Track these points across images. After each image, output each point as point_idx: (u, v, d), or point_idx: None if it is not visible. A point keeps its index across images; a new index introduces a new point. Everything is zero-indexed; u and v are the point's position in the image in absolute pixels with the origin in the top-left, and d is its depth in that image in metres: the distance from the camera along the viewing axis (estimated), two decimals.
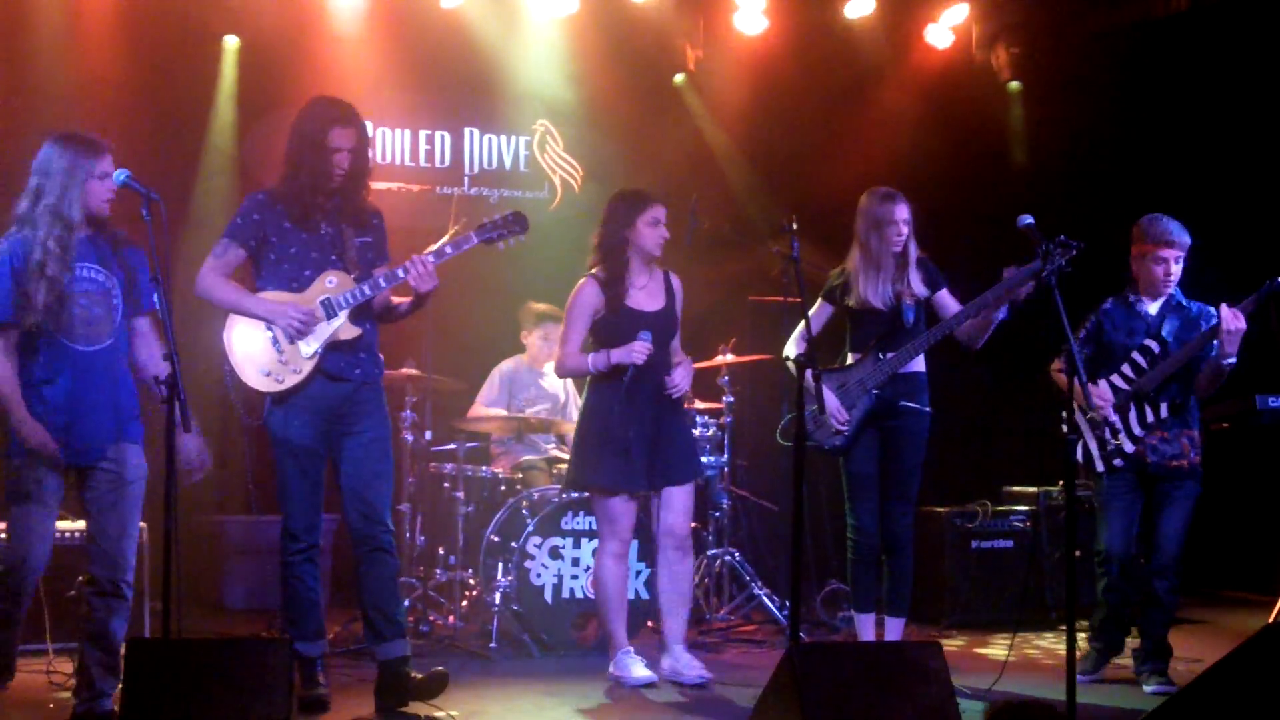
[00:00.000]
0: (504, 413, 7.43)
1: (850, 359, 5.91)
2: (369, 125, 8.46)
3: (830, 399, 5.75)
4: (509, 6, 8.69)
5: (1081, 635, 5.90)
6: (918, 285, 5.84)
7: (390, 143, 8.76)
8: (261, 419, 5.16)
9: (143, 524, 6.19)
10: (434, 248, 5.12)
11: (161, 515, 4.31)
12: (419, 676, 5.12)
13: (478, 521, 6.90)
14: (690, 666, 5.69)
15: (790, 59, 9.07)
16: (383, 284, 5.09)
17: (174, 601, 4.28)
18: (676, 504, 5.78)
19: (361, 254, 5.15)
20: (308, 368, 5.04)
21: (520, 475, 7.23)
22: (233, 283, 5.13)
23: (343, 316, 5.05)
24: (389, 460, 5.23)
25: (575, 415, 7.59)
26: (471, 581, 6.88)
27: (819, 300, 5.95)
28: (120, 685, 4.55)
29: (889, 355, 5.76)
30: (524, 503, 6.81)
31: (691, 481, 5.85)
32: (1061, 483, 7.20)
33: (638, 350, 5.59)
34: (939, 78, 9.30)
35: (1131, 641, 6.05)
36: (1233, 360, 5.64)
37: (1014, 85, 9.50)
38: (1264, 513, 8.50)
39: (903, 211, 5.82)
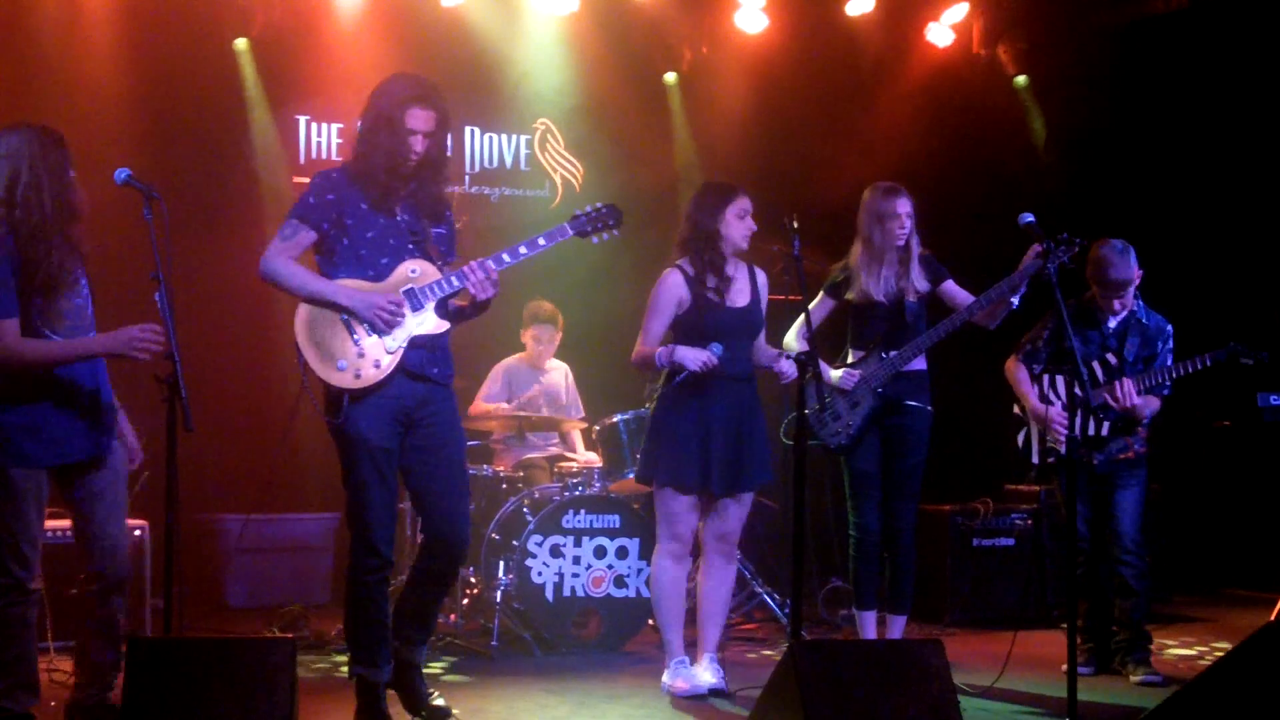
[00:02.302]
0: (505, 408, 7.43)
1: (852, 356, 5.92)
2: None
3: (836, 372, 5.78)
4: (510, 5, 8.69)
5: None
6: (920, 281, 5.85)
7: None
8: (338, 417, 4.65)
9: (144, 522, 6.22)
10: (509, 247, 4.78)
11: (162, 513, 4.30)
12: (435, 703, 4.86)
13: (479, 520, 6.88)
14: (712, 675, 5.57)
15: (791, 58, 9.07)
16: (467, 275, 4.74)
17: (175, 600, 4.27)
18: (733, 509, 5.61)
19: (438, 244, 4.79)
20: (390, 363, 4.63)
21: (521, 474, 7.23)
22: (305, 268, 4.72)
23: (429, 308, 4.68)
24: (468, 476, 4.97)
25: (576, 414, 7.67)
26: (473, 580, 6.88)
27: (820, 294, 5.95)
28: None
29: (892, 354, 5.77)
30: (525, 501, 6.81)
31: (754, 488, 5.66)
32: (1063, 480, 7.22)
33: (702, 360, 5.36)
34: (940, 76, 9.30)
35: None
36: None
37: (1021, 80, 9.50)
38: (1265, 510, 8.51)
39: (905, 205, 5.83)
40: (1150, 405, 5.95)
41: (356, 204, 4.70)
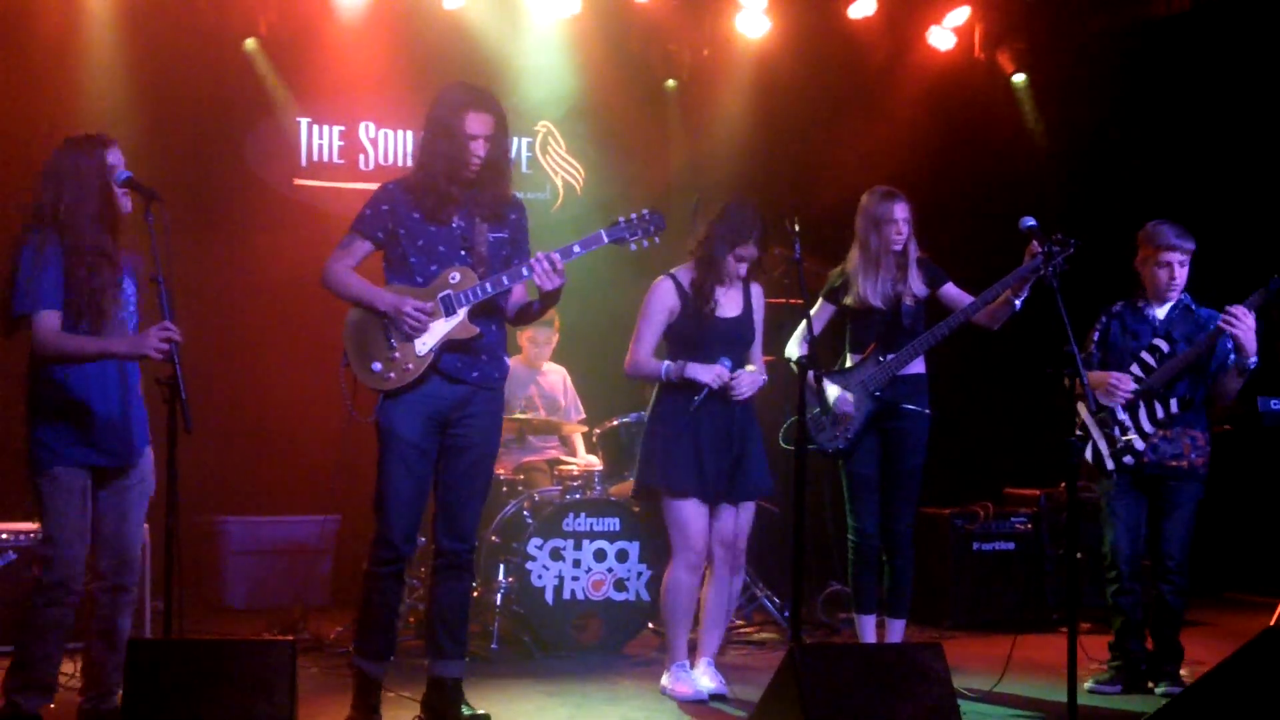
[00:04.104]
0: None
1: (850, 360, 5.92)
2: (371, 126, 8.58)
3: (834, 388, 5.75)
4: (511, 7, 8.69)
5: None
6: (917, 285, 5.85)
7: (392, 144, 8.74)
8: (372, 416, 4.83)
9: (145, 525, 6.22)
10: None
11: (163, 515, 4.31)
12: (469, 713, 4.94)
13: (480, 523, 6.89)
14: (711, 679, 5.58)
15: (792, 61, 9.07)
16: (505, 281, 4.83)
17: (175, 602, 4.28)
18: (734, 518, 5.59)
19: (494, 250, 4.89)
20: (421, 366, 4.79)
21: (522, 476, 7.23)
22: (355, 275, 4.88)
23: (461, 314, 4.79)
24: (489, 478, 5.06)
25: (575, 417, 7.67)
26: (473, 583, 6.87)
27: (819, 300, 5.96)
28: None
29: (890, 357, 5.77)
30: (525, 504, 6.81)
31: (757, 498, 5.67)
32: (1064, 484, 7.21)
33: (716, 374, 5.44)
34: (941, 79, 9.30)
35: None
36: (1254, 360, 5.60)
37: (1020, 79, 9.50)
38: (1265, 515, 8.50)
39: (902, 210, 5.82)
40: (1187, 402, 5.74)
41: (409, 214, 4.87)
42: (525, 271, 4.84)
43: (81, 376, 4.64)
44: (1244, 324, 5.53)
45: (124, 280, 4.78)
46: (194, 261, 8.01)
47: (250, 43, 8.27)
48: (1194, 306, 5.90)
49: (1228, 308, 5.57)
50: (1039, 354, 6.16)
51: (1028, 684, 5.79)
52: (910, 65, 9.34)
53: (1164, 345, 5.79)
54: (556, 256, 4.81)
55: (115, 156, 4.72)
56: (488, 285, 4.82)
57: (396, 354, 4.80)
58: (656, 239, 5.01)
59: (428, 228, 4.86)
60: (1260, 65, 8.49)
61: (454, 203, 4.85)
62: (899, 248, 5.83)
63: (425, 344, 4.79)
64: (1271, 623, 6.40)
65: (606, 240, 4.96)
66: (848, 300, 5.88)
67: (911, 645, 5.38)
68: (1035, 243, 5.29)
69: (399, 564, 4.90)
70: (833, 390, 5.78)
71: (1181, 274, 5.85)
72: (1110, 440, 5.81)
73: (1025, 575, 7.55)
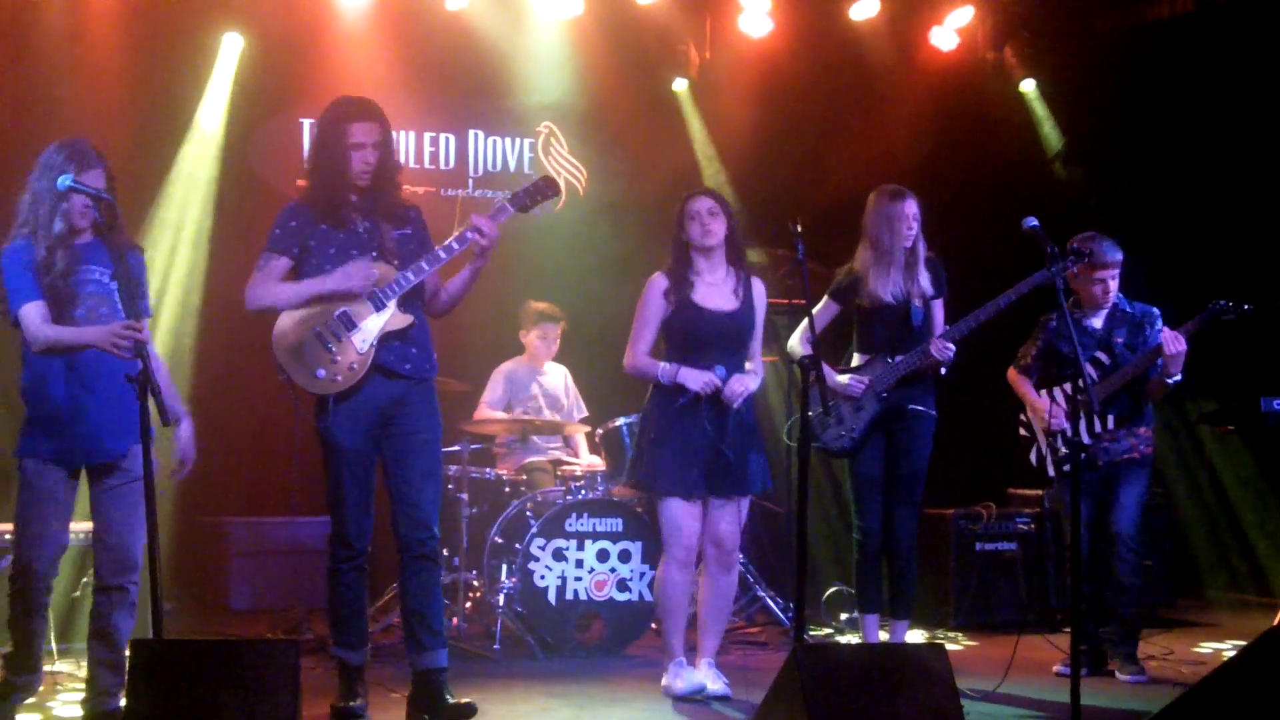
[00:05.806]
0: (504, 416, 7.43)
1: (857, 359, 5.93)
2: None
3: (843, 376, 5.79)
4: (514, 8, 8.70)
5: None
6: (926, 284, 5.86)
7: (392, 144, 8.72)
8: (322, 421, 4.97)
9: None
10: (465, 227, 5.02)
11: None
12: (453, 701, 5.00)
13: (482, 523, 6.91)
14: (715, 680, 5.58)
15: (795, 62, 9.06)
16: (426, 267, 4.95)
17: (158, 600, 4.28)
18: (729, 515, 5.60)
19: (402, 245, 5.03)
20: (365, 363, 4.91)
21: (524, 477, 7.24)
22: (283, 282, 4.96)
23: (391, 306, 4.94)
24: (439, 464, 5.15)
25: (577, 416, 7.67)
26: (475, 583, 6.89)
27: (825, 298, 5.97)
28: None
29: (898, 359, 5.77)
30: (528, 504, 6.82)
31: (749, 494, 5.67)
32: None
33: (705, 382, 5.46)
34: (944, 80, 9.29)
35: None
36: (1178, 378, 5.87)
37: (1027, 85, 9.49)
38: (1267, 515, 8.50)
39: (911, 207, 5.85)
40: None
41: (316, 225, 5.01)
42: (442, 254, 4.95)
43: (38, 375, 4.73)
44: (1177, 348, 5.77)
45: (103, 274, 4.80)
46: (196, 262, 8.06)
47: (231, 38, 8.24)
48: (1127, 308, 6.08)
49: (1166, 333, 5.82)
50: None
51: (1030, 684, 5.79)
52: (913, 66, 9.33)
53: (1104, 358, 5.97)
54: (487, 219, 4.96)
55: (95, 178, 4.70)
56: (409, 274, 4.95)
57: (338, 357, 4.91)
58: (549, 206, 5.23)
59: (336, 234, 4.99)
60: (1263, 68, 8.49)
61: (352, 207, 5.00)
62: (909, 244, 5.84)
63: (364, 340, 4.92)
64: (1275, 623, 6.41)
65: (511, 210, 5.09)
66: (860, 300, 5.89)
67: (914, 645, 5.40)
68: (1044, 248, 5.27)
69: (358, 558, 5.05)
70: (841, 378, 5.79)
71: (1114, 285, 6.04)
72: (1053, 450, 6.01)
73: (1028, 576, 7.56)
